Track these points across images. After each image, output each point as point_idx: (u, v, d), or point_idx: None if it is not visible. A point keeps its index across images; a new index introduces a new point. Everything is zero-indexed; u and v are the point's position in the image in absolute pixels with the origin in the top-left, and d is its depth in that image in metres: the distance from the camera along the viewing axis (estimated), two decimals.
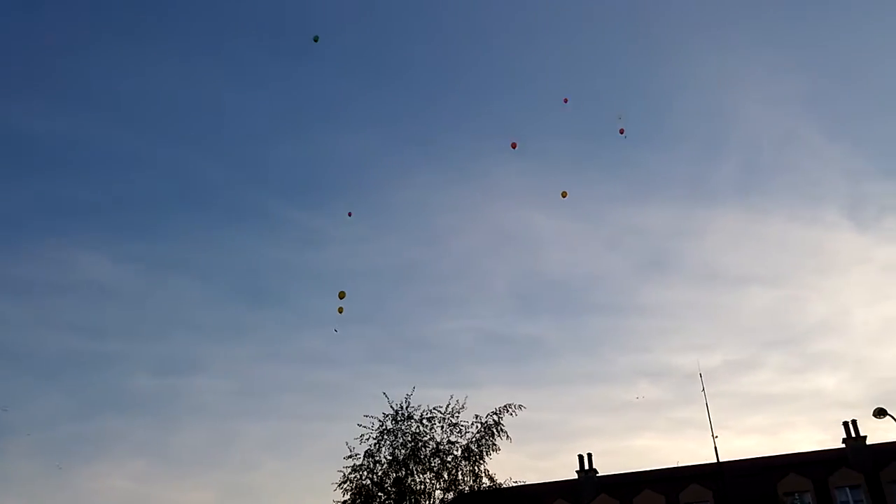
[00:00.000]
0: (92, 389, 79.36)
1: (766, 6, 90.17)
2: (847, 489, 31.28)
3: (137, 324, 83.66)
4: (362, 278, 79.45)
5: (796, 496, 31.19)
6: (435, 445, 27.44)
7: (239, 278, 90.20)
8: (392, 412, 28.00)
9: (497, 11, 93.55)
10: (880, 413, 27.67)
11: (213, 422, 79.08)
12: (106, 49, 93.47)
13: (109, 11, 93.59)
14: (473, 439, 27.60)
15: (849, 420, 33.15)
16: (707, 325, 77.31)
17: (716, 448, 35.21)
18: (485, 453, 27.41)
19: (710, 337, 74.99)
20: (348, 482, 27.10)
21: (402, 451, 27.25)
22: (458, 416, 27.93)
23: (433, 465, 27.12)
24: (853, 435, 32.84)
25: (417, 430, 27.69)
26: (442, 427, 27.85)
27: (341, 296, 30.66)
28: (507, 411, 27.93)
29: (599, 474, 36.31)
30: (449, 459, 27.23)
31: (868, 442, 32.76)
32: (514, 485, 27.36)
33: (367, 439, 27.72)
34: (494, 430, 27.70)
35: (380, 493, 26.75)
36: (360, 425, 27.94)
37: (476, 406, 32.58)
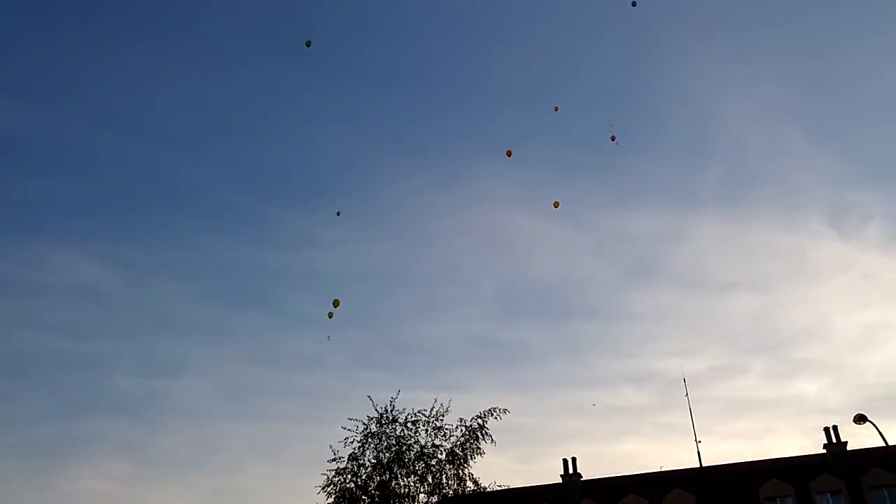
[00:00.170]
0: (72, 390, 78.62)
1: (752, 17, 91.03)
2: (828, 494, 31.53)
3: (118, 324, 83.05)
4: (350, 281, 79.30)
5: (778, 501, 31.46)
6: (419, 449, 27.48)
7: (223, 279, 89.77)
8: (377, 415, 28.02)
9: (491, 19, 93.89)
10: (860, 419, 28.06)
11: (196, 424, 78.54)
12: (86, 47, 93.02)
13: (89, 10, 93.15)
14: (458, 443, 27.66)
15: (830, 426, 33.49)
16: (692, 330, 77.78)
17: (699, 453, 35.43)
18: (469, 457, 27.49)
19: (694, 342, 75.43)
20: (332, 485, 27.08)
21: (387, 455, 27.26)
22: (442, 420, 28.00)
23: (417, 468, 27.15)
24: (834, 441, 33.12)
25: (402, 434, 27.72)
26: (426, 430, 27.90)
27: (335, 304, 30.81)
28: (492, 415, 28.03)
29: (583, 479, 36.41)
30: (433, 463, 27.27)
31: (849, 448, 33.03)
32: (499, 489, 27.43)
33: (352, 442, 27.73)
34: (479, 434, 27.77)
35: (364, 497, 26.73)
36: (344, 428, 27.94)
37: (463, 410, 32.72)
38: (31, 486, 67.75)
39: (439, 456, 27.42)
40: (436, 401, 28.48)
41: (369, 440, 27.61)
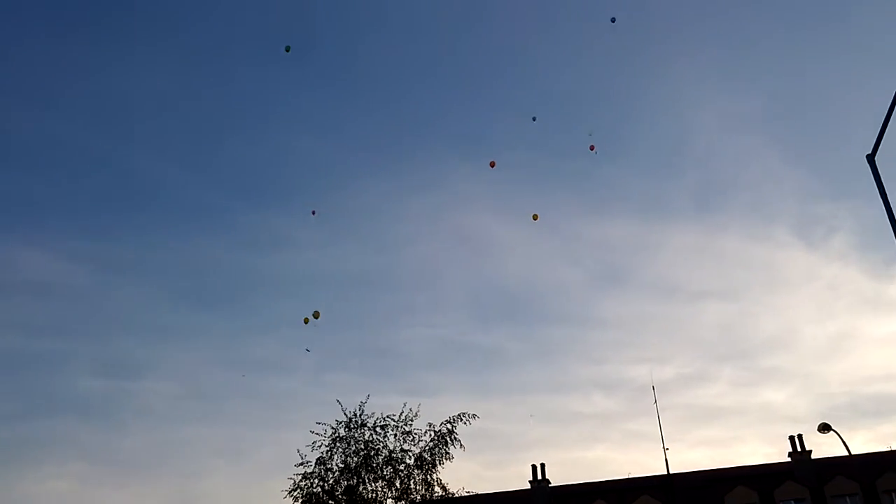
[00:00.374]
0: (32, 390, 77.17)
1: (726, 33, 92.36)
2: (792, 502, 31.96)
3: (81, 323, 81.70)
4: (319, 283, 78.91)
5: None
6: (388, 454, 27.21)
7: (190, 279, 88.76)
8: (345, 419, 27.73)
9: (467, 25, 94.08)
10: (825, 428, 28.34)
11: (160, 426, 77.45)
12: (55, 44, 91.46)
13: (67, 8, 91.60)
14: (427, 448, 27.44)
15: (795, 434, 33.94)
16: (661, 338, 78.53)
17: (666, 460, 35.78)
18: (438, 462, 27.26)
19: (664, 350, 76.20)
20: (298, 490, 26.67)
21: (355, 459, 26.95)
22: (411, 425, 27.77)
23: (385, 473, 26.88)
24: (799, 449, 33.59)
25: (370, 438, 27.43)
26: (395, 435, 27.64)
27: (316, 315, 30.57)
28: (461, 420, 27.87)
29: (552, 484, 36.49)
30: (401, 468, 27.01)
31: (813, 456, 33.53)
32: (467, 494, 27.27)
33: (320, 447, 27.38)
34: (448, 439, 27.58)
35: (330, 501, 26.38)
36: (312, 432, 27.58)
37: (433, 415, 32.51)
38: None
39: (408, 461, 27.20)
40: (405, 405, 28.27)
41: (337, 444, 27.28)
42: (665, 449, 35.33)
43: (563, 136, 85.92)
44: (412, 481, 26.87)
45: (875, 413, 78.23)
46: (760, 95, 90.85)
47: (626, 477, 36.25)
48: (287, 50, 33.57)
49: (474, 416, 28.04)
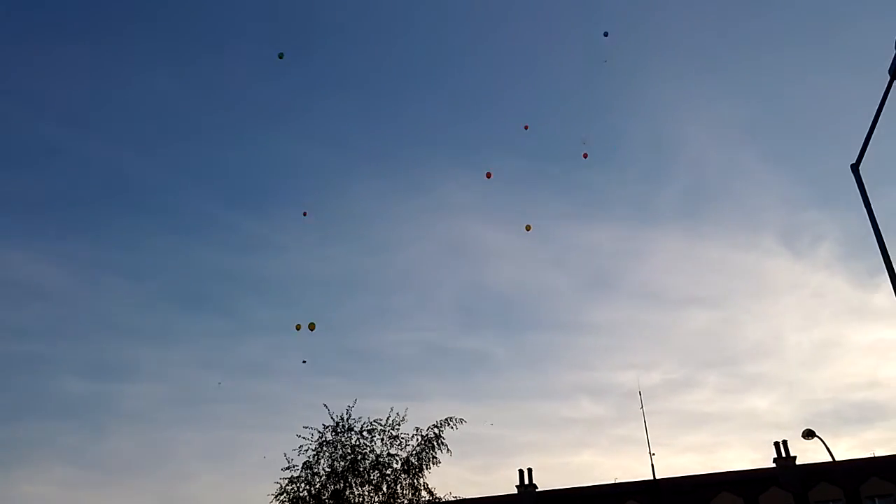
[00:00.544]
0: (14, 392, 76.45)
1: (713, 41, 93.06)
2: None
3: (65, 325, 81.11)
4: (306, 286, 78.74)
5: None
6: (375, 458, 27.15)
7: (175, 281, 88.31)
8: (333, 423, 27.67)
9: (459, 32, 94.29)
10: (809, 434, 28.64)
11: (144, 429, 76.95)
12: (40, 43, 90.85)
13: (44, 6, 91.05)
14: (414, 452, 27.41)
15: (780, 441, 34.17)
16: (648, 344, 78.91)
17: (653, 466, 35.89)
18: (425, 467, 27.23)
19: (650, 356, 76.55)
20: (285, 494, 26.58)
21: (342, 464, 26.88)
22: (398, 429, 27.74)
23: (372, 478, 26.83)
24: (784, 455, 33.82)
25: (357, 443, 27.38)
26: (382, 439, 27.60)
27: (311, 327, 30.55)
28: (448, 424, 27.86)
29: (539, 489, 36.55)
30: (388, 472, 26.96)
31: (798, 462, 33.77)
32: (454, 499, 27.28)
33: (307, 451, 27.31)
34: (435, 444, 27.56)
35: None
36: (299, 436, 27.50)
37: (420, 419, 32.49)
38: None
39: (395, 465, 27.16)
40: (392, 409, 28.23)
41: (324, 448, 27.22)
42: (651, 454, 35.52)
43: (553, 142, 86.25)
44: (399, 486, 26.83)
45: (859, 420, 78.96)
46: (747, 104, 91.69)
47: (613, 482, 36.40)
48: (280, 56, 34.05)
49: (461, 420, 28.07)
